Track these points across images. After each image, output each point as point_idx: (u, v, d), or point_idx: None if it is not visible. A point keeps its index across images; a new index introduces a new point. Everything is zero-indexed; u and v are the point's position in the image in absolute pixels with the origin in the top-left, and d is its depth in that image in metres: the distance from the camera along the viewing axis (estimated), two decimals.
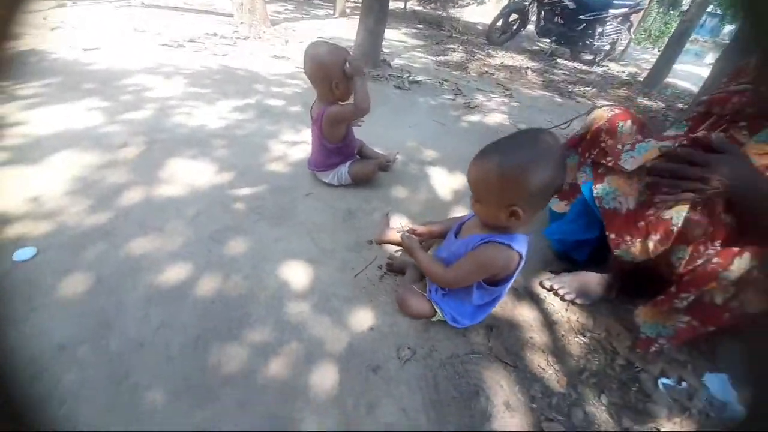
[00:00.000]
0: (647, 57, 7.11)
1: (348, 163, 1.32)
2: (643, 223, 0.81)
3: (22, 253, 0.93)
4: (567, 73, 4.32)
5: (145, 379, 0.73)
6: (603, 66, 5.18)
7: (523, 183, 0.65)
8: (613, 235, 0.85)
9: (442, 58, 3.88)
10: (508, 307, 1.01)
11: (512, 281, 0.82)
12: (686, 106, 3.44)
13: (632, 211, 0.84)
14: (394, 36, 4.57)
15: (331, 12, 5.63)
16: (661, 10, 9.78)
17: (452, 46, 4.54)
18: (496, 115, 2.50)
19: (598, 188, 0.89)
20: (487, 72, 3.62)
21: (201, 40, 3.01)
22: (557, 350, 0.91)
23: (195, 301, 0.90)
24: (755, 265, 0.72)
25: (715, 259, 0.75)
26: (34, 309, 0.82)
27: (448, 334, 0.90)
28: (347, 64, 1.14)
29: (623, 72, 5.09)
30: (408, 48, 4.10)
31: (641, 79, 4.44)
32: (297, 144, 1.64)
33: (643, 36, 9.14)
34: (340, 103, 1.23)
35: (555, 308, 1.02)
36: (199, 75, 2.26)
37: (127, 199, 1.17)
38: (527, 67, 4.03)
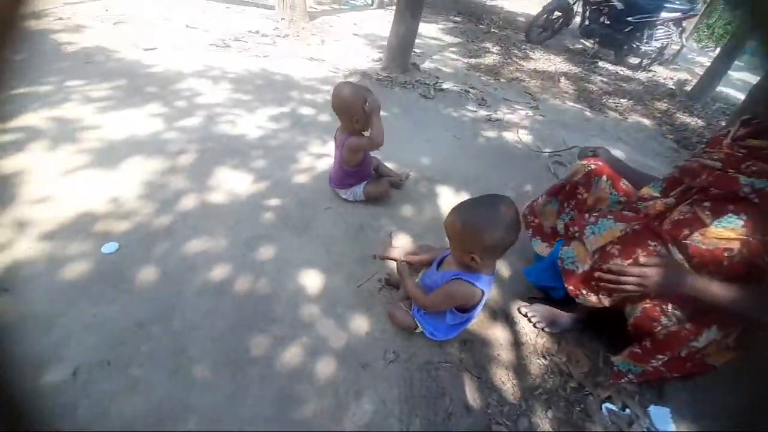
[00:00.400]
0: (704, 60, 6.59)
1: (363, 184, 1.52)
2: (594, 283, 0.95)
3: (108, 247, 1.22)
4: (606, 80, 4.18)
5: (197, 354, 1.00)
6: (650, 71, 4.92)
7: (478, 238, 0.83)
8: (571, 287, 1.00)
9: (474, 60, 3.90)
10: (484, 325, 1.20)
11: (479, 309, 1.00)
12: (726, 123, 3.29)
13: (587, 272, 0.97)
14: (429, 32, 4.58)
15: (370, 2, 5.67)
16: (725, 8, 8.84)
17: (488, 45, 4.49)
18: (515, 130, 2.57)
19: (563, 250, 1.03)
20: (518, 78, 3.61)
21: (245, 38, 3.24)
22: (519, 368, 1.10)
23: (233, 295, 1.16)
24: (721, 335, 0.86)
25: (687, 325, 0.88)
26: (119, 293, 1.11)
27: (428, 344, 1.10)
28: (366, 104, 1.32)
29: (671, 79, 4.82)
30: (442, 47, 4.14)
31: (688, 89, 4.21)
32: (322, 157, 1.86)
33: (704, 34, 8.37)
34: (360, 134, 1.42)
35: (525, 331, 1.20)
36: (242, 80, 2.51)
37: (184, 204, 1.45)
38: (562, 73, 3.95)
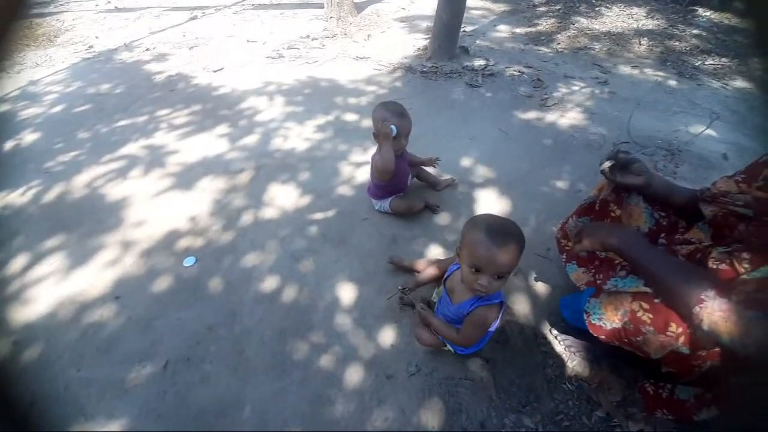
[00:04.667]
0: None
1: (390, 198, 1.57)
2: (626, 339, 0.86)
3: (188, 261, 1.51)
4: (705, 33, 3.42)
5: (252, 354, 1.21)
6: None
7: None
8: (603, 337, 0.92)
9: (529, 29, 3.54)
10: (511, 343, 1.20)
11: (498, 322, 1.02)
12: None
13: (617, 329, 0.87)
14: (476, 3, 4.23)
15: None
16: None
17: (545, 8, 3.98)
18: (574, 115, 2.32)
19: (590, 303, 0.93)
20: (585, 47, 3.18)
21: (296, 45, 3.43)
22: (542, 391, 1.09)
23: (280, 304, 1.35)
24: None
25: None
26: (196, 300, 1.38)
27: (450, 360, 1.15)
28: (381, 124, 1.36)
29: None
30: (492, 20, 3.82)
31: None
32: (361, 166, 1.95)
33: None
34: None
35: (554, 353, 1.16)
36: (292, 91, 2.70)
37: (244, 220, 1.69)
38: (645, 32, 3.34)
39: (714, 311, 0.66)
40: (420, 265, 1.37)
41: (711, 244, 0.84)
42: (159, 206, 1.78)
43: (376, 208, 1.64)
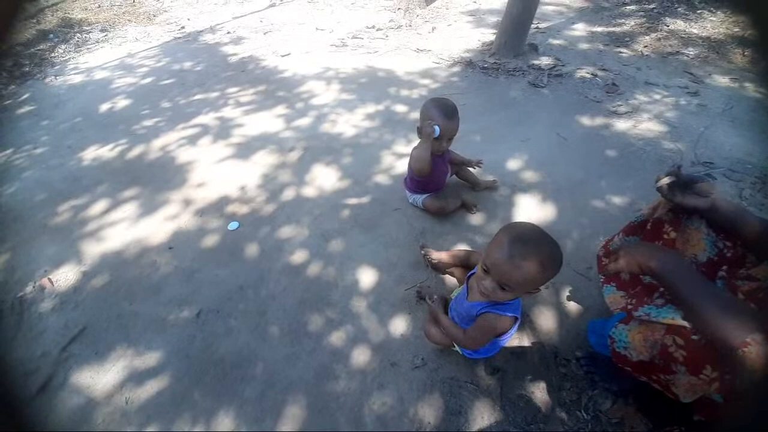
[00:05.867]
0: None
1: (425, 195, 1.55)
2: (654, 377, 0.78)
3: (233, 225, 1.65)
4: None
5: (272, 318, 1.30)
6: None
7: (537, 280, 0.84)
8: (628, 368, 0.83)
9: (611, 29, 3.21)
10: (527, 358, 1.14)
11: (512, 333, 0.97)
12: None
13: (644, 363, 0.79)
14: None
15: None
16: None
17: (635, 6, 3.57)
18: (649, 127, 2.08)
19: (618, 329, 0.85)
20: (676, 52, 2.81)
21: (361, 35, 3.50)
22: (552, 413, 1.02)
23: (304, 277, 1.42)
24: None
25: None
26: (233, 261, 1.50)
27: (458, 362, 1.13)
28: (426, 123, 1.34)
29: None
30: (572, 19, 3.53)
31: None
32: (403, 157, 1.95)
33: None
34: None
35: (574, 377, 1.08)
36: (349, 79, 2.77)
37: (285, 195, 1.79)
38: (747, 42, 2.85)
39: (760, 357, 0.56)
40: (445, 255, 1.34)
41: None
42: (217, 172, 1.96)
43: (410, 201, 1.64)
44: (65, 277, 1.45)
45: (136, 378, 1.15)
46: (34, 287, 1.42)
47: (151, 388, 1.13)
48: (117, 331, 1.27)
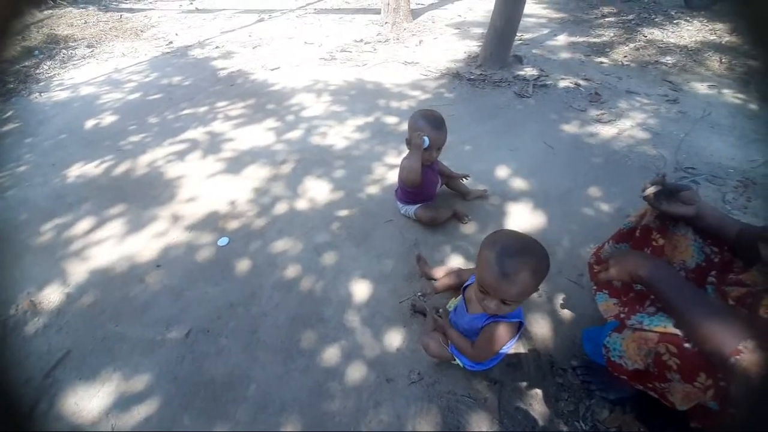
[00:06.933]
0: None
1: (416, 206, 1.56)
2: (651, 384, 0.78)
3: (222, 241, 1.62)
4: None
5: (264, 336, 1.27)
6: None
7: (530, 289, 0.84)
8: (624, 377, 0.84)
9: (591, 39, 3.32)
10: (524, 369, 1.13)
11: (515, 341, 0.97)
12: None
13: (639, 371, 0.79)
14: (534, 10, 4.06)
15: None
16: None
17: (612, 18, 3.71)
18: (632, 134, 2.14)
19: (612, 337, 0.85)
20: (655, 61, 2.91)
21: (349, 48, 3.55)
22: (550, 424, 1.01)
23: (297, 293, 1.40)
24: None
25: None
26: (223, 278, 1.48)
27: (455, 375, 1.12)
28: (415, 134, 1.35)
29: None
30: (554, 30, 3.64)
31: None
32: (394, 168, 1.96)
33: None
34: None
35: (571, 387, 1.07)
36: (339, 91, 2.79)
37: (277, 209, 1.78)
38: (724, 49, 2.98)
39: (752, 364, 0.57)
40: (439, 272, 1.35)
41: (766, 289, 0.73)
42: (207, 187, 1.93)
43: (402, 212, 1.64)
44: (49, 298, 1.41)
45: (123, 403, 1.11)
46: (17, 310, 1.37)
47: (138, 413, 1.08)
48: (102, 354, 1.22)
